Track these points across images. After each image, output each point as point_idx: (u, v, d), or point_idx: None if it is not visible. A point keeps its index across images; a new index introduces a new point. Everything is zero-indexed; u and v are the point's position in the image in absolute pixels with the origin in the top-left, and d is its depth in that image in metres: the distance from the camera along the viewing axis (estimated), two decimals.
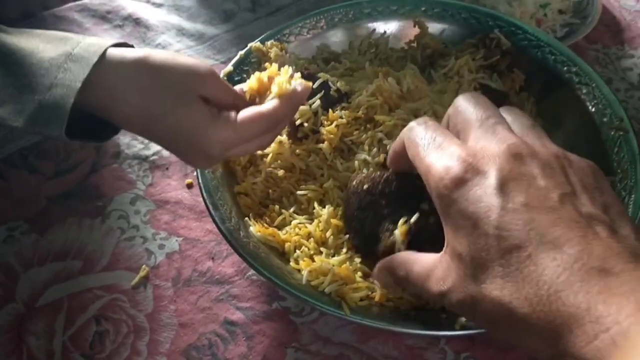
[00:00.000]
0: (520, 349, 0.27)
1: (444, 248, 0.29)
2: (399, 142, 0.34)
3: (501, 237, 0.25)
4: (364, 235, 0.41)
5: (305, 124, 0.49)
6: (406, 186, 0.40)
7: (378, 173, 0.41)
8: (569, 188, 0.27)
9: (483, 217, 0.26)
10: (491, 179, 0.27)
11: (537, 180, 0.27)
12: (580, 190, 0.27)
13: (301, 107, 0.49)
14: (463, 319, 0.39)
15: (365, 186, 0.41)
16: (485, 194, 0.26)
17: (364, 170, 0.44)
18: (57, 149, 0.56)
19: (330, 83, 0.51)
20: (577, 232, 0.24)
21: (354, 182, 0.42)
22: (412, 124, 0.33)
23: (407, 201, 0.39)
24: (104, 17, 0.70)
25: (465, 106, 0.32)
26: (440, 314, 0.41)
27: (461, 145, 0.29)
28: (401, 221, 0.39)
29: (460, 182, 0.27)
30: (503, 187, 0.26)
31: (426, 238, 0.38)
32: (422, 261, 0.32)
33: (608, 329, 0.21)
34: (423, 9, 0.60)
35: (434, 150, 0.30)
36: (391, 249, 0.39)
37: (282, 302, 0.46)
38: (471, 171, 0.27)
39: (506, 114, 0.32)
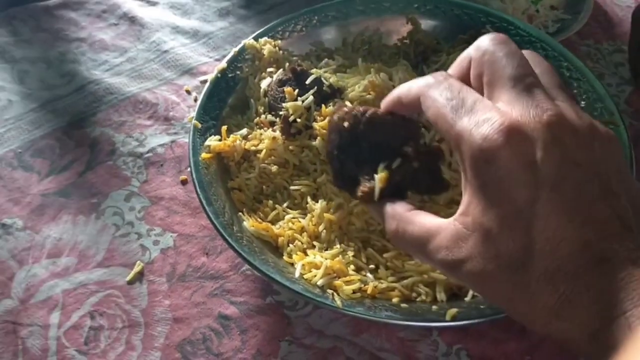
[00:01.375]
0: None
1: (458, 214, 0.28)
2: (408, 92, 0.31)
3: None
4: (343, 176, 0.38)
5: (298, 120, 0.49)
6: (389, 126, 0.36)
7: (361, 109, 0.37)
8: (605, 177, 0.26)
9: (524, 208, 0.25)
10: (534, 158, 0.25)
11: (579, 165, 0.25)
12: (612, 174, 0.26)
13: (294, 103, 0.49)
14: (454, 310, 0.39)
15: (346, 123, 0.37)
16: (528, 178, 0.25)
17: (346, 104, 0.42)
18: (52, 148, 0.57)
19: (322, 79, 0.51)
20: (616, 238, 0.25)
21: (335, 117, 0.38)
22: (430, 79, 0.30)
23: (389, 142, 0.36)
24: (100, 15, 0.70)
25: (497, 55, 0.28)
26: (431, 305, 0.41)
27: (497, 110, 0.26)
28: (381, 166, 0.36)
29: (500, 156, 0.25)
30: (546, 171, 0.25)
31: (409, 185, 0.36)
32: (418, 222, 0.30)
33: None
34: (415, 5, 0.60)
35: (466, 114, 0.27)
36: (370, 195, 0.36)
37: (276, 296, 0.46)
38: (513, 145, 0.25)
39: (534, 65, 0.29)
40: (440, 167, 0.37)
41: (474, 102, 0.27)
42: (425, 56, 0.57)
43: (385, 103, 0.34)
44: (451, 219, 0.28)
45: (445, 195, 0.45)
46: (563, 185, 0.25)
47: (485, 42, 0.29)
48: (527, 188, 0.25)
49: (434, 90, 0.29)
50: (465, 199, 0.27)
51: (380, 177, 0.35)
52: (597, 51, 0.65)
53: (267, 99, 0.53)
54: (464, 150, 0.27)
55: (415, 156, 0.35)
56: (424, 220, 0.30)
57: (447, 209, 0.44)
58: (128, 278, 0.48)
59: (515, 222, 0.25)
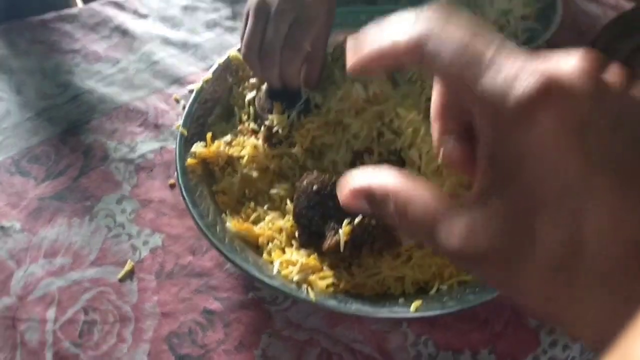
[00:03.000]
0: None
1: (477, 197, 0.21)
2: (398, 42, 0.22)
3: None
4: (310, 232, 0.46)
5: (280, 131, 0.53)
6: None
7: (327, 176, 0.46)
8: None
9: (575, 185, 0.19)
10: (586, 119, 0.19)
11: (621, 124, 0.20)
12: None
13: (279, 116, 0.53)
14: (419, 302, 0.43)
15: (315, 187, 0.46)
16: (581, 145, 0.19)
17: (314, 172, 0.48)
18: (48, 154, 0.60)
19: (310, 96, 0.54)
20: None
21: (304, 182, 0.46)
22: (436, 17, 0.22)
23: None
24: (93, 28, 0.74)
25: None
26: (399, 298, 0.44)
27: (526, 61, 0.20)
28: (345, 222, 0.44)
29: (542, 117, 0.19)
30: (603, 137, 0.19)
31: (367, 238, 0.45)
32: (420, 202, 0.23)
33: None
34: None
35: (487, 68, 0.20)
36: (335, 247, 0.44)
37: (257, 292, 0.50)
38: (557, 102, 0.19)
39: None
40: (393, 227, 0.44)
41: (496, 50, 0.21)
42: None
43: (357, 61, 0.25)
44: (463, 201, 0.22)
45: None
46: (625, 157, 0.19)
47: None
48: (579, 158, 0.19)
49: (443, 32, 0.21)
50: (485, 179, 0.21)
51: (345, 230, 0.43)
52: None
53: (253, 108, 0.56)
54: (489, 114, 0.21)
55: (373, 215, 0.41)
56: (429, 198, 0.23)
57: None
58: (119, 276, 0.51)
59: (561, 204, 0.19)
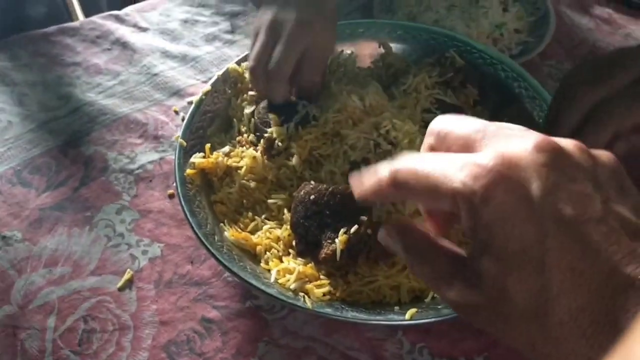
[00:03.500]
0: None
1: (469, 260, 0.26)
2: (378, 191, 0.28)
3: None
4: (307, 241, 0.47)
5: (280, 144, 0.54)
6: (348, 200, 0.46)
7: (324, 186, 0.47)
8: (605, 193, 0.24)
9: (533, 245, 0.23)
10: (531, 188, 0.23)
11: (577, 184, 0.24)
12: (614, 193, 0.24)
13: (278, 128, 0.54)
14: (414, 310, 0.43)
15: (312, 197, 0.47)
16: (530, 211, 0.23)
17: (312, 183, 0.49)
18: (49, 165, 0.61)
19: (308, 109, 0.55)
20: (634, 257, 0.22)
21: (302, 193, 0.48)
22: (403, 159, 0.27)
23: (347, 213, 0.46)
24: (94, 41, 0.75)
25: (452, 126, 0.28)
26: (394, 306, 0.45)
27: (481, 153, 0.25)
28: (342, 231, 0.45)
29: (495, 193, 0.23)
30: (547, 200, 0.23)
31: (363, 248, 0.46)
32: (439, 261, 0.28)
33: None
34: (387, 30, 0.65)
35: (455, 170, 0.25)
36: (332, 256, 0.45)
37: (255, 300, 0.50)
38: (505, 178, 0.24)
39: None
40: None
41: (454, 155, 0.26)
42: (396, 77, 0.62)
43: (369, 195, 0.30)
44: (465, 263, 0.26)
45: (410, 207, 0.49)
46: (567, 211, 0.23)
47: (436, 124, 0.29)
48: (531, 222, 0.23)
49: (410, 160, 0.27)
50: (472, 249, 0.25)
51: (341, 239, 0.45)
52: (558, 71, 0.70)
53: (253, 120, 0.57)
54: (460, 201, 0.25)
55: (369, 224, 0.45)
56: (444, 259, 0.28)
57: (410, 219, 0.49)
58: (119, 285, 0.51)
59: (525, 262, 0.23)
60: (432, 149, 0.29)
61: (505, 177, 0.23)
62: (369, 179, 0.29)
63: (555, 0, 0.77)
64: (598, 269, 0.22)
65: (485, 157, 0.24)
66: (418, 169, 0.26)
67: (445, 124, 0.28)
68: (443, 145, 0.28)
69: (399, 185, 0.27)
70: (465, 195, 0.24)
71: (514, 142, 0.25)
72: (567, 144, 0.25)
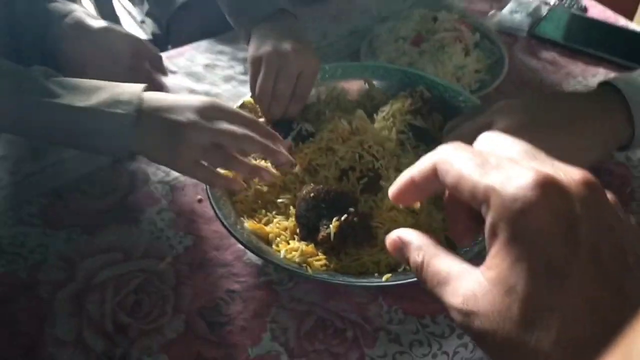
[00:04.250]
0: None
1: (483, 267, 0.25)
2: (420, 168, 0.29)
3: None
4: (308, 228, 0.62)
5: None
6: (339, 197, 0.62)
7: (321, 186, 0.62)
8: (632, 247, 0.24)
9: (559, 266, 0.23)
10: (573, 214, 0.23)
11: (613, 231, 0.24)
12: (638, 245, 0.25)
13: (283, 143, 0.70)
14: (389, 275, 0.57)
15: (312, 195, 0.62)
16: (567, 234, 0.23)
17: (311, 185, 0.64)
18: (105, 179, 0.76)
19: (302, 126, 0.71)
20: None
21: (304, 192, 0.63)
22: (444, 147, 0.28)
23: (339, 206, 0.61)
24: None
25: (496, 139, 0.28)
26: (374, 274, 0.59)
27: (526, 166, 0.25)
28: (334, 219, 0.60)
29: (536, 207, 0.23)
30: (586, 230, 0.23)
31: (350, 232, 0.60)
32: (445, 259, 0.28)
33: None
34: (371, 71, 0.82)
35: (493, 170, 0.25)
36: (327, 238, 0.60)
37: (268, 276, 0.65)
38: (550, 197, 0.24)
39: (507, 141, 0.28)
40: (370, 224, 0.62)
41: (498, 159, 0.26)
42: (377, 107, 0.77)
43: (395, 188, 0.31)
44: (476, 268, 0.26)
45: (387, 203, 0.64)
46: (602, 248, 0.23)
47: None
48: (564, 245, 0.23)
49: (451, 154, 0.28)
50: (490, 254, 0.25)
51: (334, 225, 0.60)
52: None
53: None
54: (494, 202, 0.25)
55: (356, 214, 0.60)
56: (450, 261, 0.27)
57: (388, 212, 0.64)
58: (161, 266, 0.66)
59: (546, 280, 0.23)
60: (432, 170, 0.29)
61: (548, 196, 0.23)
62: (412, 168, 0.30)
63: (509, 46, 0.94)
64: (612, 310, 0.22)
65: (531, 174, 0.24)
66: (458, 162, 0.27)
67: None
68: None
69: (439, 172, 0.28)
70: (506, 203, 0.24)
71: (559, 168, 0.25)
72: (603, 191, 0.25)
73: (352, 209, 0.61)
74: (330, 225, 0.60)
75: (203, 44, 0.99)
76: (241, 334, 0.60)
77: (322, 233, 0.60)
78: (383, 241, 0.62)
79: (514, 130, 0.54)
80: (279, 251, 0.62)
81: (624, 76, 0.64)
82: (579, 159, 0.61)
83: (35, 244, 0.68)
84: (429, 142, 0.72)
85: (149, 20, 1.32)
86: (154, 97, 0.62)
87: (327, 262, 0.61)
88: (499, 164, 0.26)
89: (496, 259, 0.25)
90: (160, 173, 0.77)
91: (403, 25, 0.91)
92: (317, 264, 0.60)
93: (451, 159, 0.27)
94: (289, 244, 0.63)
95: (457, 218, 0.30)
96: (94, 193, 0.74)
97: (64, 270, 0.65)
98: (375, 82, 0.81)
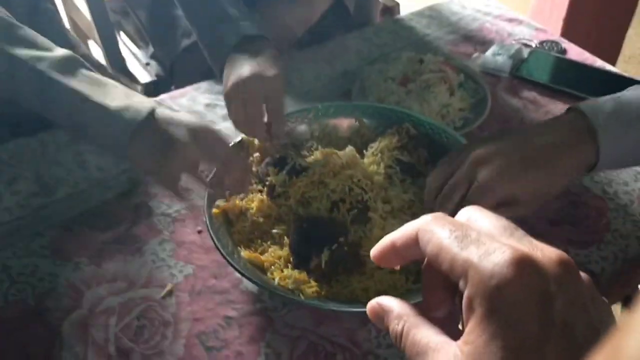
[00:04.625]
0: None
1: (461, 341, 0.26)
2: (402, 234, 0.30)
3: None
4: (301, 257, 0.66)
5: (280, 188, 0.74)
6: (330, 227, 0.66)
7: (313, 217, 0.67)
8: (600, 328, 0.25)
9: (533, 344, 0.24)
10: (547, 293, 0.24)
11: (587, 312, 0.25)
12: (605, 328, 0.25)
13: (276, 177, 0.74)
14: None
15: (305, 225, 0.66)
16: (541, 313, 0.24)
17: (304, 217, 0.68)
18: (110, 212, 0.80)
19: (295, 162, 0.76)
20: None
21: (297, 223, 0.67)
22: (427, 217, 0.30)
23: (329, 237, 0.65)
24: None
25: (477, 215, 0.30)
26: (363, 301, 0.63)
27: (505, 243, 0.26)
28: (326, 248, 0.64)
29: (513, 284, 0.24)
30: (559, 309, 0.24)
31: (340, 261, 0.65)
32: (425, 331, 0.28)
33: None
34: (361, 109, 0.87)
35: (472, 244, 0.26)
36: (319, 266, 0.64)
37: (263, 303, 0.69)
38: (526, 275, 0.25)
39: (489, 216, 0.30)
40: (360, 253, 0.66)
41: (478, 234, 0.27)
42: (366, 143, 0.83)
43: (377, 251, 0.32)
44: (454, 342, 0.27)
45: (376, 233, 0.69)
46: (576, 327, 0.24)
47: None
48: (538, 323, 0.24)
49: (433, 225, 0.29)
50: (468, 328, 0.26)
51: (325, 254, 0.64)
52: None
53: (259, 174, 0.78)
54: (471, 276, 0.26)
55: (346, 244, 0.65)
56: (430, 332, 0.28)
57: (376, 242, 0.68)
58: (162, 294, 0.70)
59: (521, 357, 0.24)
60: (414, 236, 0.30)
61: (524, 274, 0.24)
62: (395, 234, 0.31)
63: (492, 86, 1.00)
64: None
65: (509, 250, 0.25)
66: (439, 233, 0.28)
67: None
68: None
69: (420, 240, 0.29)
70: (484, 278, 0.25)
71: (537, 247, 0.26)
72: (578, 271, 0.26)
73: (342, 239, 0.65)
74: (322, 254, 0.64)
75: (203, 85, 1.05)
76: (237, 358, 0.63)
77: (314, 262, 0.65)
78: (372, 269, 0.67)
79: (493, 172, 0.64)
80: (273, 279, 0.66)
81: (591, 102, 0.69)
82: (554, 188, 0.66)
83: (45, 274, 0.72)
84: (415, 176, 0.76)
85: (153, 63, 1.39)
86: (160, 111, 0.71)
87: (318, 289, 0.65)
88: (479, 238, 0.27)
89: (472, 335, 0.25)
90: (162, 206, 0.81)
91: (392, 66, 0.97)
92: (309, 290, 0.64)
93: (432, 229, 0.28)
94: (282, 272, 0.67)
95: (433, 288, 0.31)
96: (100, 225, 0.79)
97: (71, 298, 0.69)
98: (365, 120, 0.86)
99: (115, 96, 0.70)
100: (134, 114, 0.68)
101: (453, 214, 0.30)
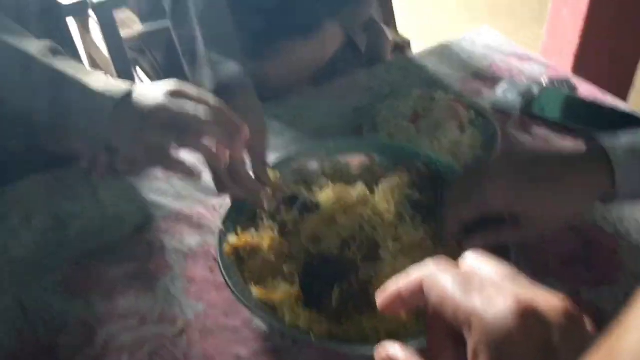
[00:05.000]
0: None
1: None
2: (407, 282, 0.31)
3: None
4: (312, 294, 0.66)
5: (291, 227, 0.75)
6: (340, 265, 0.67)
7: (324, 255, 0.67)
8: None
9: None
10: (550, 342, 0.25)
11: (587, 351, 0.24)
12: None
13: (289, 215, 0.75)
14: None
15: (315, 263, 0.67)
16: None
17: (315, 255, 0.69)
18: (122, 247, 0.81)
19: (306, 199, 0.77)
20: None
21: (308, 261, 0.67)
22: (430, 265, 0.30)
23: (340, 274, 0.66)
24: None
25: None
26: (374, 342, 0.63)
27: (509, 290, 0.27)
28: (336, 287, 0.64)
29: (516, 334, 0.25)
30: (563, 358, 0.25)
31: (350, 299, 0.65)
32: None
33: None
34: (373, 146, 0.88)
35: (476, 292, 0.27)
36: (330, 304, 0.64)
37: (274, 342, 0.68)
38: (529, 324, 0.25)
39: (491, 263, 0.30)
40: (370, 291, 0.65)
41: (481, 281, 0.28)
42: (377, 180, 0.83)
43: (383, 300, 0.33)
44: None
45: (386, 272, 0.69)
46: None
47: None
48: None
49: (437, 273, 0.29)
50: None
51: (335, 292, 0.65)
52: None
53: (271, 212, 0.78)
54: (475, 326, 0.26)
55: (355, 282, 0.65)
56: None
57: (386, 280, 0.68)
58: (174, 332, 0.70)
59: None
60: (419, 285, 0.31)
61: (527, 324, 0.25)
62: (400, 280, 0.32)
63: (502, 123, 1.01)
64: None
65: (512, 299, 0.25)
66: (442, 281, 0.29)
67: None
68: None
69: (425, 288, 0.30)
70: (487, 328, 0.25)
71: (540, 294, 0.26)
72: (583, 320, 0.27)
73: (352, 277, 0.65)
74: (332, 292, 0.64)
75: None
76: None
77: (325, 299, 0.65)
78: None
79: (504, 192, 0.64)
80: (284, 317, 0.66)
81: (608, 134, 0.69)
82: (564, 210, 0.66)
83: (57, 310, 0.73)
84: (425, 213, 0.77)
85: None
86: (138, 90, 0.71)
87: (329, 328, 0.64)
88: (482, 286, 0.27)
89: None
90: (174, 243, 0.82)
91: (402, 103, 0.99)
92: (319, 329, 0.64)
93: (436, 277, 0.29)
94: (293, 310, 0.67)
95: (437, 335, 0.31)
96: (113, 261, 0.80)
97: (83, 335, 0.70)
98: (375, 157, 0.87)
99: (96, 78, 0.72)
100: (114, 92, 0.70)
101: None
